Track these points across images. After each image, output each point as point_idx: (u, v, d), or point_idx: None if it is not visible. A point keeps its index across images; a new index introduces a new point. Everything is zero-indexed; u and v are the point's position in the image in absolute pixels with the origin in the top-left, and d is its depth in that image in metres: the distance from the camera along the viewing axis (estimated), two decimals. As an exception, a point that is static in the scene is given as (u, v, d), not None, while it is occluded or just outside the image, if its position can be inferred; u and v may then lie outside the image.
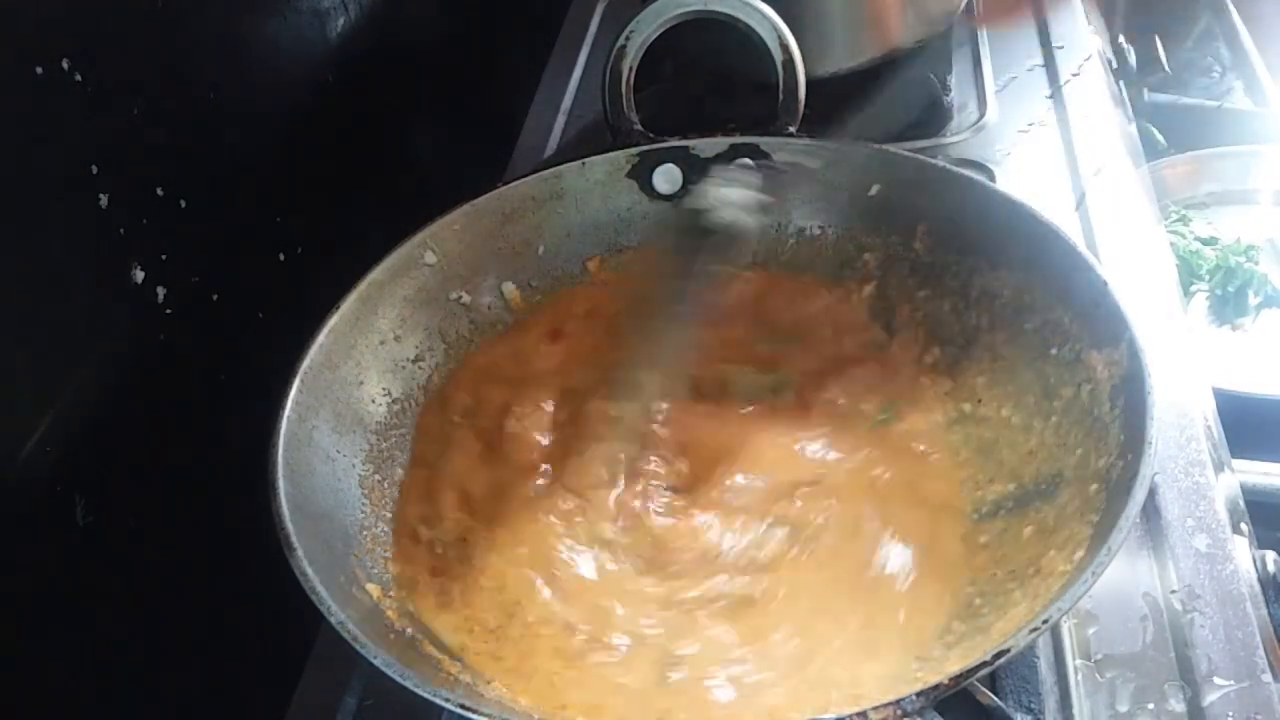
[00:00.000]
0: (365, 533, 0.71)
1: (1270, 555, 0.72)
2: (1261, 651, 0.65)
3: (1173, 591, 0.69)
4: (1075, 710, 0.64)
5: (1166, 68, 1.36)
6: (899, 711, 0.51)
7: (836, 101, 1.05)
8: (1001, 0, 1.24)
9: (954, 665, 0.55)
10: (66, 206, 0.69)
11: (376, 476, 0.74)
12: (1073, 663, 0.67)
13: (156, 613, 0.76)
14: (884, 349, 0.81)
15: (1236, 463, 0.80)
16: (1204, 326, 1.21)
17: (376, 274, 0.79)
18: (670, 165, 0.87)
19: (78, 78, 0.69)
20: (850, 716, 0.51)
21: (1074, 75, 1.12)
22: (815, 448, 0.74)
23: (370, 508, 0.73)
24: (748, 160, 0.85)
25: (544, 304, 0.87)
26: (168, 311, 0.77)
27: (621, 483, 0.73)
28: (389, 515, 0.73)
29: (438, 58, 1.27)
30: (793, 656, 0.63)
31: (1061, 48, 1.16)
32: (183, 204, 0.79)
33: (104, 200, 0.71)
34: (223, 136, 0.86)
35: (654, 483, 0.73)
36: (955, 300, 0.80)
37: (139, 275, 0.75)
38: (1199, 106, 1.51)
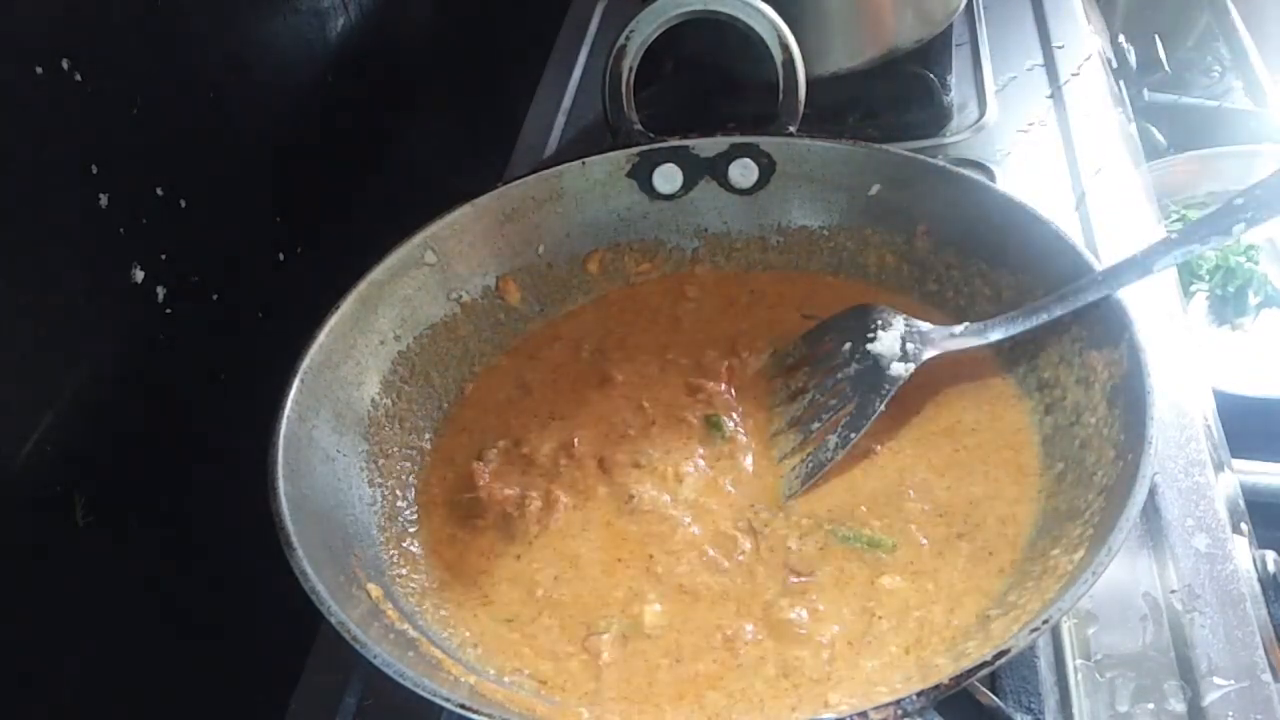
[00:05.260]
0: (365, 532, 0.71)
1: (1270, 555, 0.72)
2: (1261, 651, 0.65)
3: (1173, 591, 0.69)
4: (1075, 710, 0.64)
5: (1166, 68, 1.36)
6: (899, 711, 0.51)
7: (836, 101, 1.06)
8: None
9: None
10: (66, 206, 0.69)
11: (377, 476, 0.75)
12: (1073, 663, 0.67)
13: (156, 612, 0.76)
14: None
15: (1236, 463, 0.80)
16: (1204, 326, 1.21)
17: (376, 274, 0.79)
18: (670, 165, 0.87)
19: (78, 78, 0.69)
20: (850, 717, 0.51)
21: (1074, 75, 1.12)
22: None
23: (371, 507, 0.73)
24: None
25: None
26: (168, 311, 0.77)
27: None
28: (390, 514, 0.74)
29: (438, 58, 1.27)
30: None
31: (1061, 48, 1.16)
32: (183, 204, 0.79)
33: (104, 200, 0.71)
34: (222, 137, 0.86)
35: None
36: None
37: (139, 275, 0.75)
38: (1199, 106, 1.51)
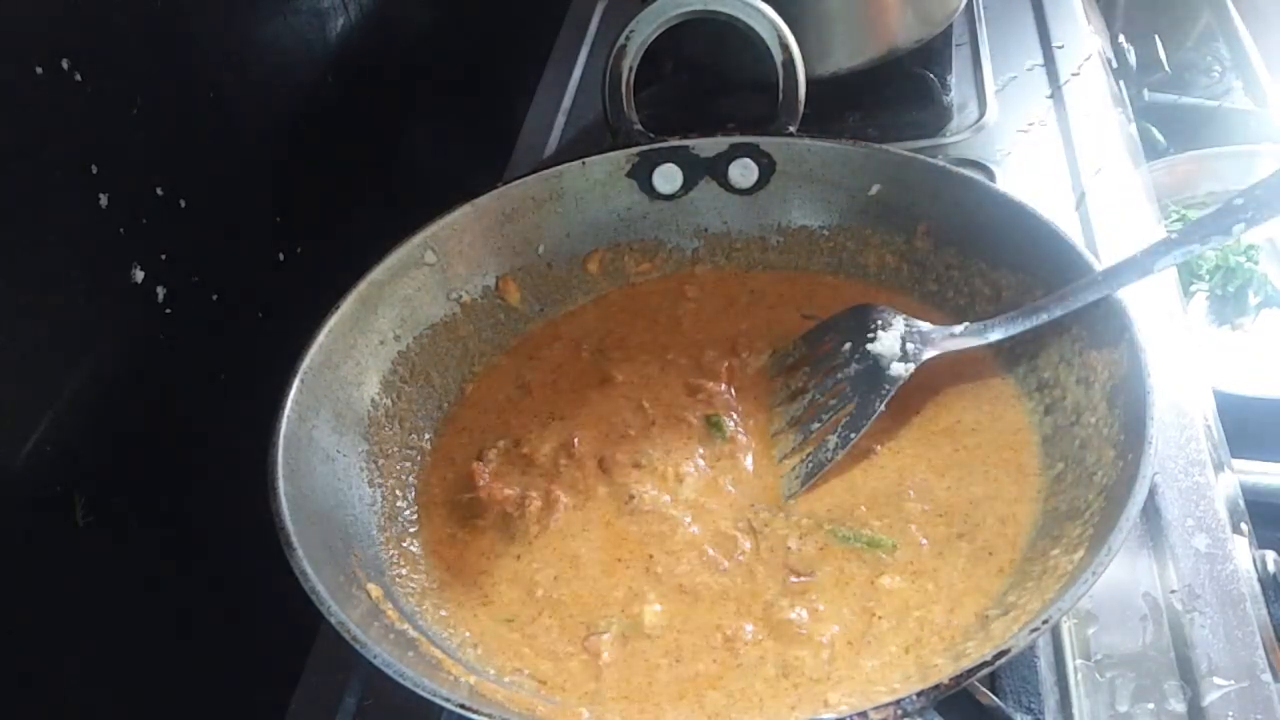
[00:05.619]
0: (365, 532, 0.71)
1: (1270, 555, 0.72)
2: (1261, 651, 0.65)
3: (1173, 591, 0.69)
4: (1075, 710, 0.64)
5: (1166, 68, 1.36)
6: (899, 711, 0.51)
7: (836, 101, 1.06)
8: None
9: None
10: (66, 206, 0.69)
11: (377, 476, 0.74)
12: (1073, 663, 0.67)
13: (156, 613, 0.76)
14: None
15: (1236, 463, 0.80)
16: (1204, 326, 1.21)
17: (376, 274, 0.79)
18: (670, 165, 0.87)
19: (78, 78, 0.69)
20: (850, 717, 0.51)
21: (1074, 75, 1.12)
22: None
23: (371, 507, 0.73)
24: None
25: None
26: (168, 311, 0.77)
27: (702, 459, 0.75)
28: (390, 514, 0.74)
29: (437, 58, 1.27)
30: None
31: (1061, 48, 1.16)
32: (183, 204, 0.79)
33: (104, 200, 0.71)
34: (223, 137, 0.86)
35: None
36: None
37: (139, 275, 0.75)
38: (1199, 106, 1.51)
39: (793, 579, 0.67)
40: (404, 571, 0.70)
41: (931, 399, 0.76)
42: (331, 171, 1.01)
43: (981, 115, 1.09)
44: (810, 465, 0.73)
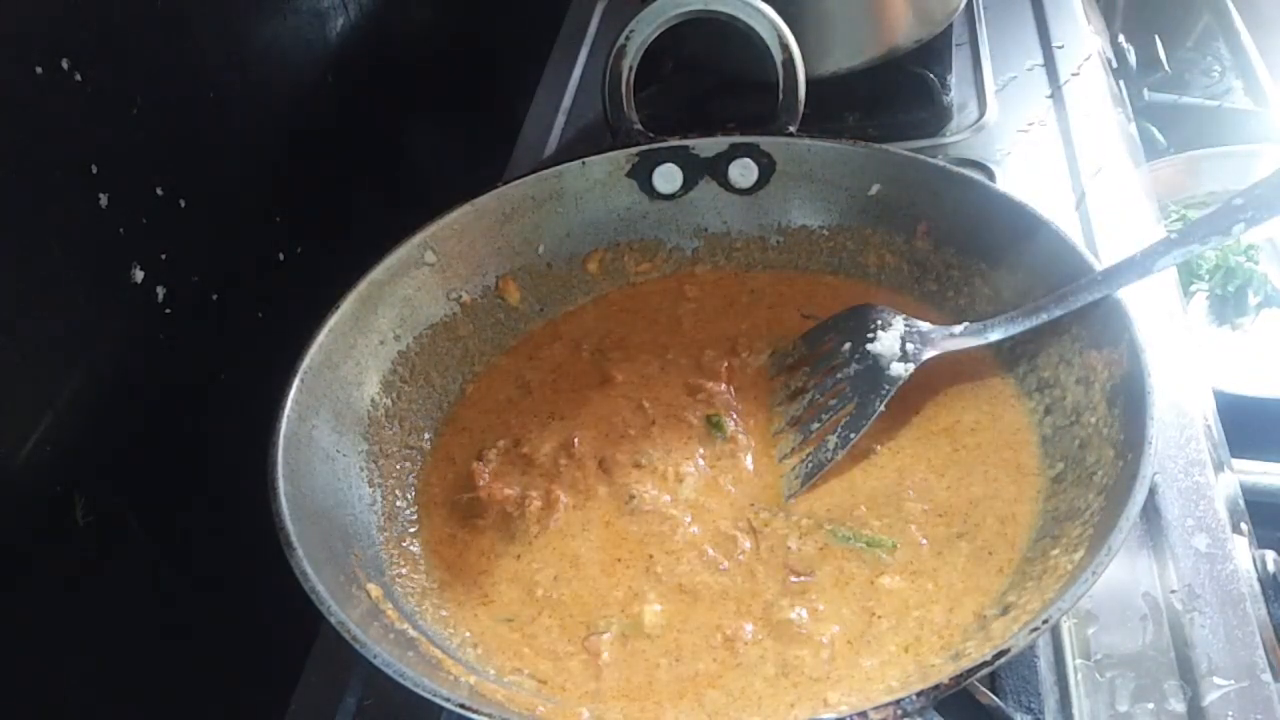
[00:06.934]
0: (365, 532, 0.71)
1: (1270, 555, 0.72)
2: (1261, 651, 0.65)
3: (1173, 591, 0.69)
4: (1075, 710, 0.64)
5: (1166, 68, 1.36)
6: (899, 711, 0.51)
7: (836, 101, 1.06)
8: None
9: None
10: (66, 206, 0.69)
11: (377, 476, 0.75)
12: (1073, 663, 0.67)
13: (156, 613, 0.76)
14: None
15: (1236, 463, 0.80)
16: (1204, 326, 1.21)
17: (376, 274, 0.79)
18: (670, 165, 0.87)
19: (78, 78, 0.69)
20: (850, 717, 0.51)
21: (1074, 75, 1.12)
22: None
23: (371, 507, 0.73)
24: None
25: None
26: (167, 311, 0.77)
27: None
28: (390, 514, 0.74)
29: (438, 58, 1.27)
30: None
31: (1061, 48, 1.16)
32: (183, 204, 0.79)
33: (104, 200, 0.71)
34: (223, 137, 0.86)
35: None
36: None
37: (139, 275, 0.75)
38: (1199, 106, 1.51)
39: (793, 579, 0.67)
40: (404, 571, 0.70)
41: (931, 399, 0.76)
42: (331, 171, 1.01)
43: (981, 115, 1.09)
44: (810, 465, 0.73)
